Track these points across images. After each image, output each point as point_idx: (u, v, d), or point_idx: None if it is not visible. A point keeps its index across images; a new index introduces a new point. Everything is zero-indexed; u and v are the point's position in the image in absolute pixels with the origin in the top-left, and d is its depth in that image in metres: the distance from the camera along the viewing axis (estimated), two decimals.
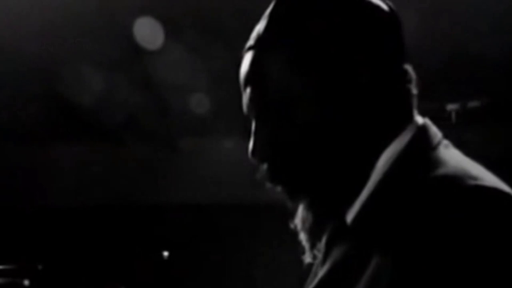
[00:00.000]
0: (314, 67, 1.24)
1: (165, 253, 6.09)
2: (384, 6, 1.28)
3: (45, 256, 5.84)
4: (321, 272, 1.27)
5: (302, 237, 1.32)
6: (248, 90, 1.29)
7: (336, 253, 1.26)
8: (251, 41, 1.31)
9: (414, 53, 1.34)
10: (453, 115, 5.37)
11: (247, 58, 1.30)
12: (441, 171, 1.17)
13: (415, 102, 1.30)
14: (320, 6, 1.26)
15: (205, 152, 6.54)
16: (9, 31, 4.55)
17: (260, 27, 1.30)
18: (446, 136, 1.29)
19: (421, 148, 1.24)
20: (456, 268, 1.06)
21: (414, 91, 1.30)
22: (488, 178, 1.16)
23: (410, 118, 1.28)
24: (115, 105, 5.34)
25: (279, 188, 1.30)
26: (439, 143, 1.26)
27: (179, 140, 6.49)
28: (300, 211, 1.32)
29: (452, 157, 1.23)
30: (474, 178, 1.13)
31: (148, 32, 4.50)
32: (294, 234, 1.33)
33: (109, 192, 6.49)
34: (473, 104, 5.38)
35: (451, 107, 5.37)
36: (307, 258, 1.32)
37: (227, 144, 6.21)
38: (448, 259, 1.06)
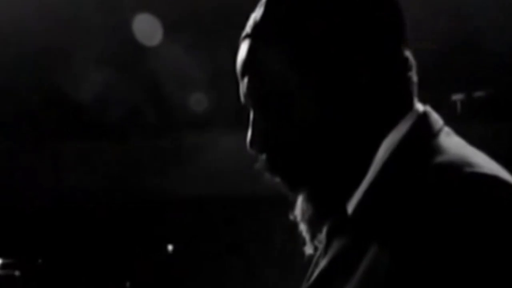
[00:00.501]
0: (312, 65, 1.23)
1: (170, 247, 6.09)
2: None
3: (50, 252, 5.84)
4: (322, 264, 1.25)
5: (302, 228, 1.30)
6: (245, 80, 1.28)
7: (336, 245, 1.25)
8: (247, 29, 1.29)
9: (417, 41, 1.32)
10: (458, 105, 5.33)
11: (244, 47, 1.28)
12: (440, 159, 1.15)
13: (415, 89, 1.28)
14: (319, 4, 1.24)
15: (208, 146, 6.53)
16: (10, 29, 4.54)
17: (256, 15, 1.28)
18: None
19: (421, 136, 1.22)
20: (452, 258, 1.05)
21: (414, 78, 1.28)
22: (488, 166, 1.14)
23: (410, 106, 1.26)
24: (117, 101, 5.33)
25: (278, 179, 1.28)
26: (440, 131, 1.24)
27: (182, 135, 6.49)
28: (300, 202, 1.30)
29: (453, 144, 1.21)
30: (473, 166, 1.11)
31: (147, 27, 4.48)
32: (297, 225, 1.32)
33: (113, 187, 6.49)
34: (478, 94, 5.33)
35: (456, 97, 5.33)
36: (308, 250, 1.31)
37: (230, 137, 6.20)
38: (444, 249, 1.05)
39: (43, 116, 5.83)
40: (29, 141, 6.42)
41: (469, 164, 1.11)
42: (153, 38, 4.55)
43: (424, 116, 1.25)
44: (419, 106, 1.27)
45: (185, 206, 6.44)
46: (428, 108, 1.28)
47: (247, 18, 1.32)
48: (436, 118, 1.26)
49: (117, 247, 6.40)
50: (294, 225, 1.31)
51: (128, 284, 5.99)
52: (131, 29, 4.47)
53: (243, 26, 1.32)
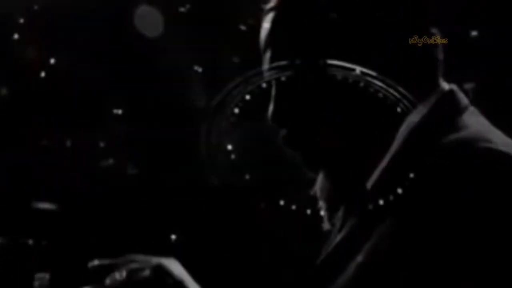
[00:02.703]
0: (335, 39, 1.21)
1: (173, 237, 6.10)
2: None
3: (49, 238, 5.84)
4: (335, 240, 1.25)
5: (321, 205, 1.29)
6: (268, 53, 1.26)
7: (352, 222, 1.23)
8: (272, 3, 1.27)
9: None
10: (471, 94, 5.28)
11: (267, 20, 1.27)
12: (459, 135, 1.14)
13: (441, 67, 1.26)
14: None
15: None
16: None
17: None
18: None
19: (443, 114, 1.21)
20: (458, 231, 1.05)
21: (441, 56, 1.26)
22: (507, 145, 1.13)
23: (436, 84, 1.24)
24: (115, 88, 5.31)
25: (297, 155, 1.27)
26: (464, 109, 1.22)
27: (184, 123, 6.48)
28: (319, 179, 1.29)
29: (476, 123, 1.20)
30: (490, 142, 1.11)
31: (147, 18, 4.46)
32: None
33: (114, 174, 6.48)
34: (468, 86, 5.27)
35: (468, 86, 5.27)
36: (325, 227, 1.29)
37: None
38: (452, 223, 1.05)
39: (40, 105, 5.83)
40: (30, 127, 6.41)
41: (486, 140, 1.11)
42: (153, 28, 4.53)
43: (449, 94, 1.24)
44: (445, 85, 1.26)
45: (188, 195, 6.44)
46: (454, 87, 1.26)
47: None
48: (462, 97, 1.25)
49: (119, 237, 6.40)
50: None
51: None
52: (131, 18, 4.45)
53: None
